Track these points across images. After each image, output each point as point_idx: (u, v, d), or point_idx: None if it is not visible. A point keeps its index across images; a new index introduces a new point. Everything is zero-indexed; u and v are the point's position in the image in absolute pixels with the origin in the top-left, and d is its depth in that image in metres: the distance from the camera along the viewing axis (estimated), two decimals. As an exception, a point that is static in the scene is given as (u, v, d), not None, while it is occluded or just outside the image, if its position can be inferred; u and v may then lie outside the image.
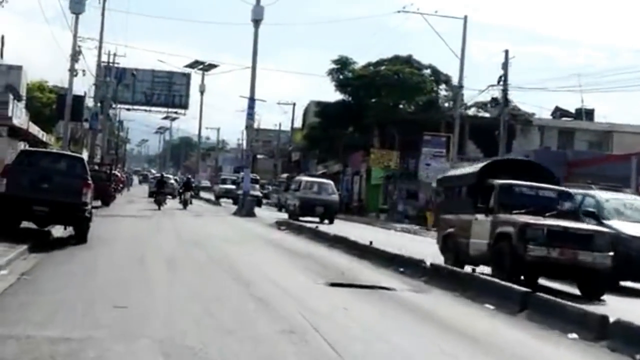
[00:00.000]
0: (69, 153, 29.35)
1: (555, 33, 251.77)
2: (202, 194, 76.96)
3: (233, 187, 64.54)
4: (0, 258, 14.48)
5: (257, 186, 66.54)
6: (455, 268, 16.18)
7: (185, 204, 46.06)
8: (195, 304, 11.44)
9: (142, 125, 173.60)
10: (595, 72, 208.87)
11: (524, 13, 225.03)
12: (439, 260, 18.41)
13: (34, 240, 18.45)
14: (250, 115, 43.50)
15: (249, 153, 47.01)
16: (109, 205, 42.58)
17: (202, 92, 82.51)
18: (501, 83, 41.57)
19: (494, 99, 59.74)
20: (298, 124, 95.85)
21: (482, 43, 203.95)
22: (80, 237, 19.74)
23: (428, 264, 16.91)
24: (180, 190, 49.02)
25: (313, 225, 30.70)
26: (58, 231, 21.41)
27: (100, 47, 60.63)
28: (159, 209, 42.28)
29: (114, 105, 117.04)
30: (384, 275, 17.25)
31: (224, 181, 75.83)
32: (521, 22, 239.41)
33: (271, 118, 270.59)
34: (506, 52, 41.34)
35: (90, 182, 19.96)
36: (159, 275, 14.69)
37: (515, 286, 13.27)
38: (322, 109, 73.42)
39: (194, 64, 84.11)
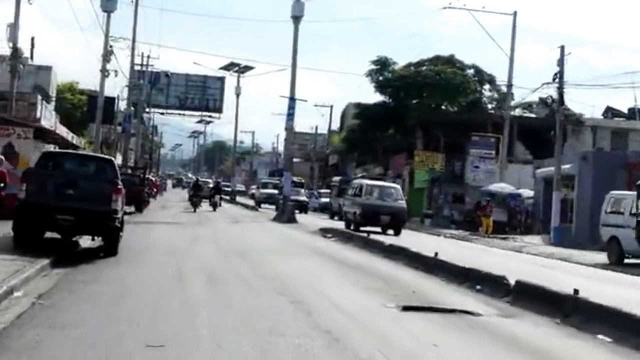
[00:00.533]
0: (98, 155, 27.26)
1: (588, 35, 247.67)
2: (239, 199, 74.82)
3: (275, 191, 58.27)
4: (14, 277, 12.33)
5: (303, 190, 63.01)
6: (551, 287, 13.64)
7: (214, 205, 48.48)
8: (247, 339, 9.14)
9: (176, 129, 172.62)
10: None
11: (555, 16, 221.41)
12: (517, 274, 15.92)
13: (59, 253, 16.39)
14: (291, 115, 41.22)
15: (288, 156, 44.35)
16: (142, 212, 40.61)
17: (237, 94, 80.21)
18: (556, 81, 38.93)
19: (542, 99, 57.11)
20: (335, 126, 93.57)
21: (519, 46, 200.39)
22: (109, 249, 17.58)
23: (512, 281, 14.49)
24: (211, 194, 51.04)
25: (364, 234, 28.35)
26: (86, 241, 19.22)
27: (133, 47, 58.60)
28: (195, 210, 44.86)
29: (147, 110, 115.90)
30: (459, 293, 14.88)
31: (264, 185, 71.05)
32: (555, 24, 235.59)
33: (307, 121, 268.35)
34: (562, 48, 38.70)
35: (121, 187, 17.75)
36: (200, 297, 12.41)
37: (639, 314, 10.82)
38: (361, 111, 71.00)
39: (229, 66, 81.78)
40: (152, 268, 15.76)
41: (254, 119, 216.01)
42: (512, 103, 54.42)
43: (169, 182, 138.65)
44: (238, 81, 78.72)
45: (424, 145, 57.21)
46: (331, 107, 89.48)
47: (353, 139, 73.01)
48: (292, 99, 40.83)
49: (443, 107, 66.61)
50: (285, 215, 39.53)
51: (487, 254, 27.71)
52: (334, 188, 60.03)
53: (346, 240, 27.24)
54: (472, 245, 33.15)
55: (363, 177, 66.84)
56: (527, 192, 44.52)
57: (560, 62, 38.55)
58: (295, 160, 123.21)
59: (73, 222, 16.99)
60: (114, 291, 12.34)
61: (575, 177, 39.50)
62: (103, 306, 11.01)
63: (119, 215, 17.59)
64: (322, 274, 16.78)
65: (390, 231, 34.77)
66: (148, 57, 76.76)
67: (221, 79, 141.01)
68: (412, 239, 29.84)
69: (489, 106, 67.79)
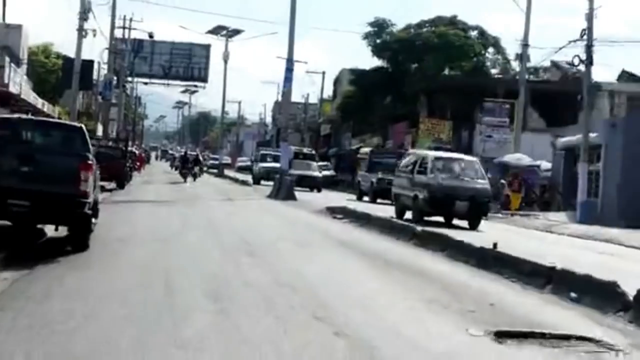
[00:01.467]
0: (64, 122, 23.15)
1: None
2: (227, 172, 70.75)
3: (277, 165, 45.43)
4: None
5: (315, 164, 50.54)
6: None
7: (194, 176, 51.21)
8: None
9: (160, 100, 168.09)
10: None
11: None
12: (588, 268, 11.93)
13: (12, 247, 12.54)
14: (288, 79, 36.96)
15: (285, 124, 40.08)
16: (124, 188, 36.62)
17: (225, 60, 75.45)
18: (584, 37, 34.90)
19: (553, 63, 53.27)
20: (327, 95, 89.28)
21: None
22: (78, 243, 13.59)
23: (625, 288, 10.55)
24: (190, 165, 52.05)
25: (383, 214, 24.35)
26: (52, 230, 15.17)
27: (114, 4, 54.15)
28: (185, 181, 48.00)
29: (130, 79, 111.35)
30: (551, 305, 10.94)
31: (263, 158, 57.45)
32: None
33: (297, 90, 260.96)
34: (590, 1, 34.75)
35: (92, 162, 13.71)
36: (199, 329, 8.27)
37: None
38: (357, 77, 66.93)
39: (217, 30, 76.90)
40: (131, 274, 11.63)
41: (240, 88, 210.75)
42: (528, 65, 50.50)
43: (153, 155, 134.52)
44: (226, 45, 74.38)
45: (428, 113, 53.20)
46: (323, 73, 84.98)
47: (348, 107, 69.00)
48: (290, 61, 36.66)
49: (445, 72, 62.74)
50: (283, 191, 35.50)
51: (530, 239, 23.78)
52: (363, 162, 50.48)
53: (362, 222, 23.23)
54: (497, 226, 29.14)
55: (360, 147, 62.82)
56: (545, 164, 40.65)
57: (589, 17, 34.59)
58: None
59: (29, 209, 12.99)
60: (70, 316, 8.27)
61: (602, 147, 35.64)
62: (47, 344, 7.02)
63: (90, 199, 13.53)
64: (362, 279, 12.64)
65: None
66: (131, 19, 71.83)
67: (207, 47, 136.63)
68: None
69: (493, 71, 63.93)
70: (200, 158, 59.75)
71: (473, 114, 47.77)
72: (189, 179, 49.15)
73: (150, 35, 66.08)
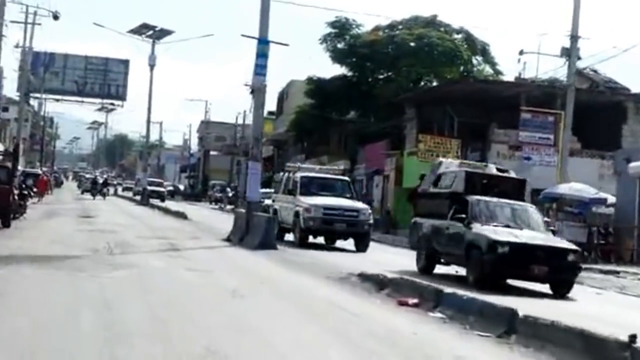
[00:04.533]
0: None
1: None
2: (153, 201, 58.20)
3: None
4: None
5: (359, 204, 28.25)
6: None
7: (104, 195, 61.87)
8: None
9: (73, 120, 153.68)
10: None
11: None
12: None
13: None
14: (262, 68, 24.80)
15: (258, 135, 26.86)
16: (9, 226, 24.31)
17: (152, 65, 61.55)
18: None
19: (578, 71, 42.26)
20: (267, 111, 76.70)
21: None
22: None
23: None
24: (99, 188, 62.82)
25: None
26: None
27: None
28: (94, 198, 57.85)
29: (38, 95, 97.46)
30: None
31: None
32: None
33: (227, 107, 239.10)
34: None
35: None
36: None
37: None
38: (315, 87, 54.76)
39: (141, 29, 63.12)
40: None
41: (158, 109, 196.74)
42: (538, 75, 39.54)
43: (67, 176, 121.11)
44: (153, 48, 61.02)
45: (419, 129, 41.45)
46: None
47: (303, 124, 56.80)
48: (265, 42, 24.64)
49: (423, 83, 51.57)
50: (256, 234, 23.31)
51: None
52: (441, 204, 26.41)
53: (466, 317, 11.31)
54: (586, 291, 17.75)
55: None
56: (609, 197, 29.47)
57: None
58: (212, 153, 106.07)
59: None
60: None
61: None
62: None
63: None
64: None
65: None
66: (35, 13, 58.18)
67: (125, 62, 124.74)
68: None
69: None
70: (108, 180, 79.73)
71: (486, 130, 36.41)
72: (98, 196, 59.44)
73: (55, 17, 52.59)
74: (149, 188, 62.78)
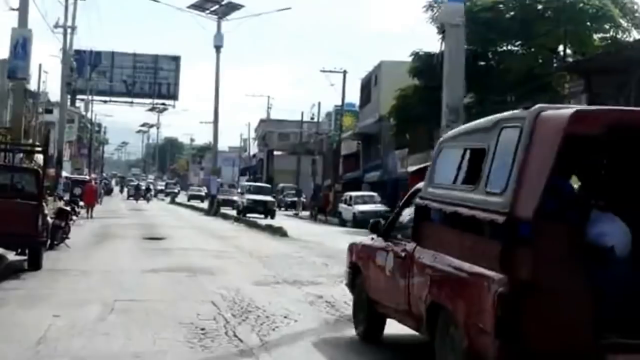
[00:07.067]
0: None
1: None
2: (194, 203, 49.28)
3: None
4: None
5: None
6: None
7: (148, 200, 71.19)
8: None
9: (119, 126, 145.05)
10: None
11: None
12: None
13: None
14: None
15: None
16: (39, 266, 14.44)
17: (218, 46, 50.56)
18: None
19: None
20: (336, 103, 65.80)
21: None
22: None
23: None
24: (143, 193, 73.02)
25: None
26: None
27: None
28: (137, 202, 66.74)
29: (87, 97, 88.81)
30: None
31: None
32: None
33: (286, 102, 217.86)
34: None
35: None
36: None
37: None
38: (422, 63, 43.72)
39: (204, 3, 51.80)
40: None
41: (207, 108, 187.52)
42: None
43: (113, 184, 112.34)
44: (219, 26, 50.31)
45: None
46: (344, 73, 60.92)
47: (406, 110, 45.85)
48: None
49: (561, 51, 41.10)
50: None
51: None
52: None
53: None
54: None
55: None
56: None
57: None
58: (276, 153, 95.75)
59: None
60: None
61: None
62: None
63: None
64: None
65: None
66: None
67: (176, 59, 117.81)
68: None
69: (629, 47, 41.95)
70: (151, 187, 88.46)
71: None
72: (141, 200, 68.40)
73: None
74: (220, 197, 53.92)
